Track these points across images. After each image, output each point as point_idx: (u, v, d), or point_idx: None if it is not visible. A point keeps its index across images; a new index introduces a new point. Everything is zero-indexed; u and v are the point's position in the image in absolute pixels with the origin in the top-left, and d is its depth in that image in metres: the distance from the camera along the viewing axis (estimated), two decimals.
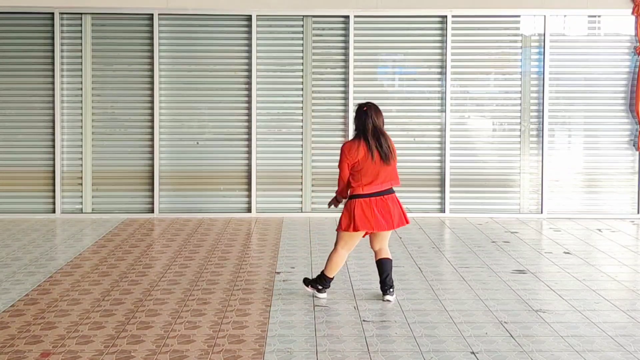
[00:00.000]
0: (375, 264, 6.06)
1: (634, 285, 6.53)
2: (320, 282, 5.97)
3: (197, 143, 10.00)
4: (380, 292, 5.97)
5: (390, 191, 5.85)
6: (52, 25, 9.74)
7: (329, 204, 6.16)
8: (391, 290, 5.88)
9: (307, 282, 6.10)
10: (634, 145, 9.99)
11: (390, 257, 5.97)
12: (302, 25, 9.95)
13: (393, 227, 5.80)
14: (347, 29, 9.90)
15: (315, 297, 5.97)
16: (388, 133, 5.96)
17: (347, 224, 5.76)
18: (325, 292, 6.00)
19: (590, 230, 9.17)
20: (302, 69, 9.95)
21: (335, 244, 5.92)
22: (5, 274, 6.69)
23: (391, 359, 4.61)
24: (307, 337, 5.00)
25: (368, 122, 5.78)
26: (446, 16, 9.88)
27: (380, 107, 10.21)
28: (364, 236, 5.95)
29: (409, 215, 9.93)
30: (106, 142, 9.96)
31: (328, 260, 5.96)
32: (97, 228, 9.01)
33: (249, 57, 9.90)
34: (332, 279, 6.00)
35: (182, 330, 5.12)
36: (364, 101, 6.12)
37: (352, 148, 5.76)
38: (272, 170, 9.99)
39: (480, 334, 5.07)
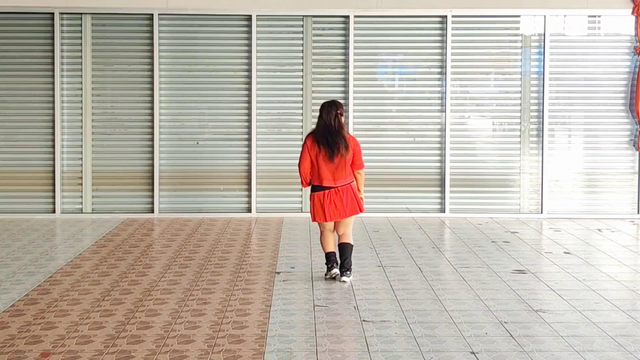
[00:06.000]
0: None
1: (634, 285, 6.53)
2: (326, 260, 6.60)
3: (197, 143, 10.00)
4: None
5: (343, 184, 6.48)
6: (52, 25, 9.74)
7: None
8: (348, 272, 6.49)
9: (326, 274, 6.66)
10: (634, 145, 9.99)
11: (352, 243, 6.61)
12: (302, 25, 9.95)
13: (345, 216, 6.48)
14: (347, 29, 9.90)
15: (331, 276, 6.51)
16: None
17: (311, 216, 6.58)
18: (334, 268, 6.53)
19: (590, 230, 9.17)
20: (302, 69, 9.95)
21: (320, 230, 6.70)
22: (5, 274, 6.69)
23: (391, 359, 4.61)
24: (307, 337, 5.00)
25: (319, 122, 6.48)
26: (446, 16, 9.88)
27: (380, 107, 10.33)
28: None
29: (409, 215, 9.96)
30: (106, 142, 9.96)
31: (320, 243, 6.72)
32: (97, 228, 9.01)
33: (249, 57, 9.90)
34: (332, 253, 6.57)
35: (182, 330, 5.12)
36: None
37: (313, 144, 6.45)
38: (272, 170, 9.99)
39: (480, 334, 5.07)
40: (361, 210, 6.58)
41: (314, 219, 6.54)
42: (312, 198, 6.52)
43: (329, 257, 6.56)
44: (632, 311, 5.67)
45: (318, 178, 6.45)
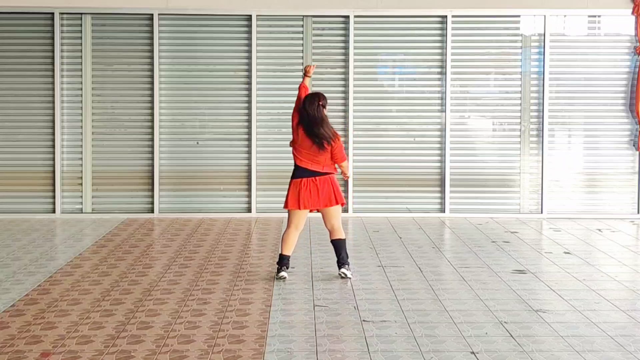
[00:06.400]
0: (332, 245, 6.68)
1: (634, 285, 6.53)
2: (278, 261, 6.57)
3: (197, 143, 10.00)
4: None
5: (322, 174, 6.49)
6: (52, 25, 9.74)
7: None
8: (346, 266, 6.54)
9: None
10: (634, 145, 9.99)
11: (343, 237, 6.59)
12: (302, 25, 9.95)
13: (319, 206, 6.49)
14: (347, 29, 9.90)
15: (277, 277, 6.48)
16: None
17: (285, 203, 6.59)
18: (283, 271, 6.51)
19: (590, 230, 9.17)
20: (302, 69, 9.93)
21: (287, 224, 6.63)
22: (5, 274, 6.69)
23: (391, 359, 4.61)
24: (307, 337, 5.00)
25: (302, 114, 6.51)
26: (446, 16, 9.88)
27: (380, 107, 10.32)
28: (311, 211, 6.59)
29: (409, 215, 9.98)
30: (106, 142, 9.96)
31: (281, 239, 6.63)
32: (97, 228, 9.01)
33: (249, 57, 9.90)
34: (287, 257, 6.56)
35: (182, 330, 5.12)
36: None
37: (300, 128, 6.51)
38: (272, 170, 9.98)
39: (480, 334, 5.07)
40: (342, 203, 6.56)
41: (285, 206, 6.55)
42: (289, 186, 6.53)
43: (283, 259, 6.54)
44: (632, 311, 5.67)
45: (304, 159, 6.46)
